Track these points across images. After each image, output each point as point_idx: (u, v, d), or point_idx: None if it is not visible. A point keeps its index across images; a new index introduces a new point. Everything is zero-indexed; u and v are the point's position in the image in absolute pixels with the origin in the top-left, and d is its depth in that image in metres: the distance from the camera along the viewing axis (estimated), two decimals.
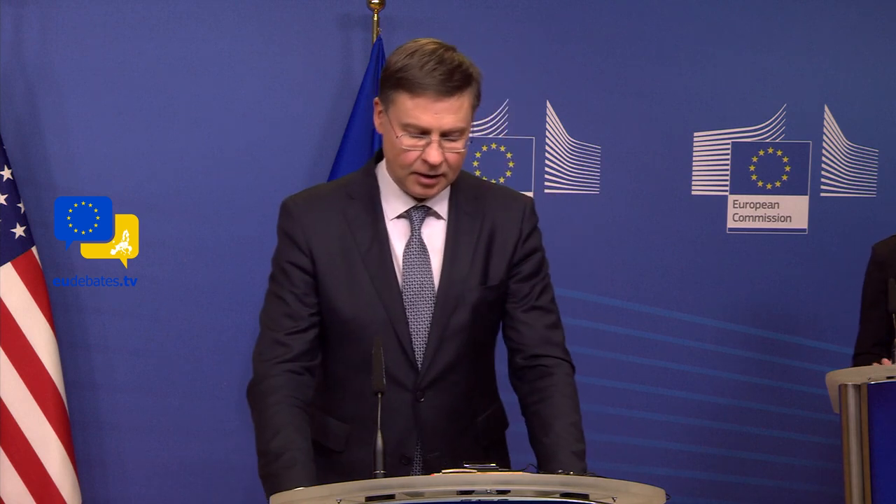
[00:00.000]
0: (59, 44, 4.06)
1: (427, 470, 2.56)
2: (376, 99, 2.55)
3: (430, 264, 2.57)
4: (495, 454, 2.66)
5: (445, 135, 2.47)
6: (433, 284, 2.56)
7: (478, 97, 2.53)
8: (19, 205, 3.94)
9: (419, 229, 2.58)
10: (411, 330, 2.55)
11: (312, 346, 2.58)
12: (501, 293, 2.61)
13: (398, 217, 2.59)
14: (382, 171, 2.61)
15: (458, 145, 2.50)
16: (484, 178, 2.77)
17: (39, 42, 4.06)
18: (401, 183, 2.55)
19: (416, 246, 2.57)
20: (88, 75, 4.08)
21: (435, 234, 2.60)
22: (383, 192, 2.59)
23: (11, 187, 3.93)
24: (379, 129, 2.57)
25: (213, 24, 4.13)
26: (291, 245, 2.57)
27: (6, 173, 3.92)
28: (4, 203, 3.92)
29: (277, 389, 2.51)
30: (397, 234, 2.58)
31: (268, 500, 2.33)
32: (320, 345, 2.62)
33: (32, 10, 4.04)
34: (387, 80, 2.50)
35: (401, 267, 2.56)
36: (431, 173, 2.50)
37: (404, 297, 2.55)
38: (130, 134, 4.10)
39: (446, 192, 2.61)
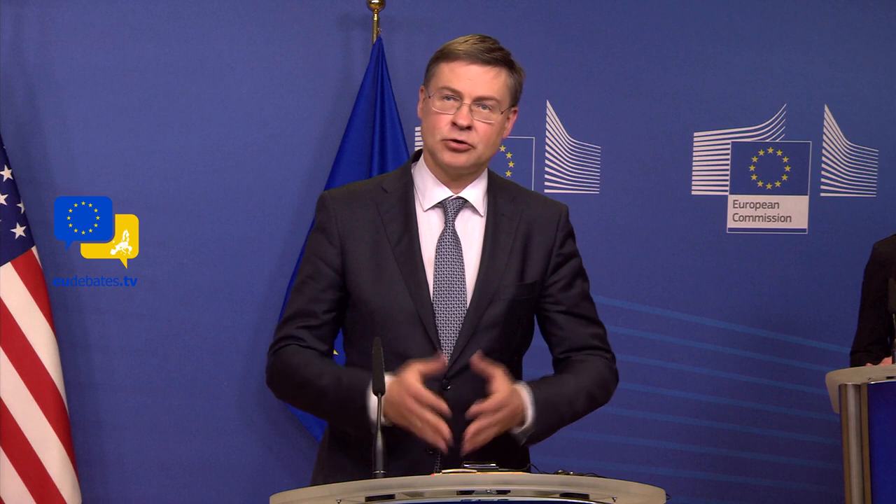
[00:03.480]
0: (59, 44, 4.06)
1: (447, 462, 2.56)
2: (421, 87, 2.63)
3: (462, 257, 2.61)
4: (518, 454, 2.65)
5: (478, 102, 2.55)
6: (464, 277, 2.60)
7: (517, 87, 2.62)
8: (19, 205, 3.94)
9: (453, 221, 2.63)
10: (438, 321, 2.58)
11: (324, 343, 2.64)
12: (536, 294, 2.66)
13: (433, 207, 2.64)
14: (420, 167, 2.67)
15: (491, 116, 2.57)
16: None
17: (39, 42, 4.06)
18: (433, 154, 2.61)
19: (450, 238, 2.62)
20: (88, 75, 4.08)
21: (469, 228, 2.64)
22: (419, 186, 2.65)
23: (11, 187, 3.93)
24: (419, 115, 2.64)
25: (213, 24, 4.14)
26: (323, 238, 2.63)
27: (6, 173, 3.93)
28: (4, 203, 3.92)
29: (291, 351, 2.60)
30: (430, 227, 2.63)
31: (353, 420, 2.48)
32: (335, 338, 2.69)
33: (32, 10, 4.04)
34: (431, 61, 2.61)
35: (432, 259, 2.60)
36: (460, 138, 2.56)
37: (434, 288, 2.59)
38: (130, 134, 4.10)
39: (482, 189, 2.66)
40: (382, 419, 2.42)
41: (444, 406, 2.42)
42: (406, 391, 2.42)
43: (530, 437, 2.53)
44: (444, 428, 2.41)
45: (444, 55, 2.58)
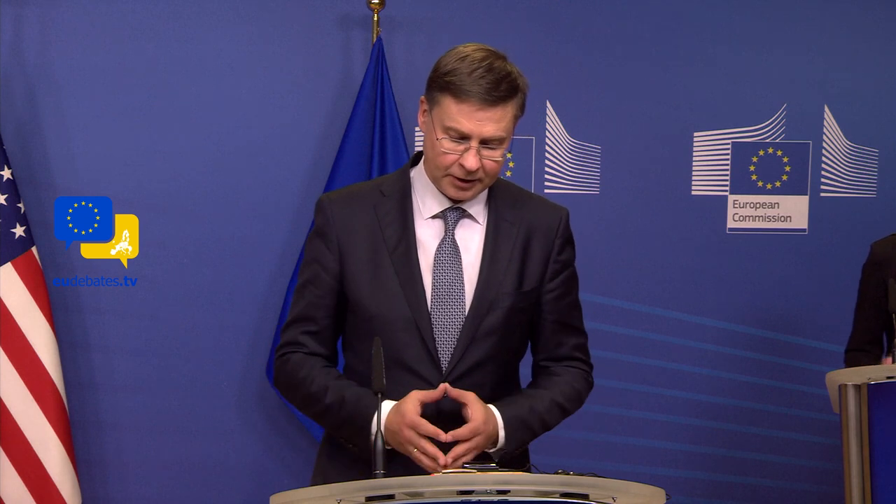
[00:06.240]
0: (59, 44, 4.06)
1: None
2: (422, 97, 2.60)
3: (461, 265, 2.60)
4: (519, 455, 2.66)
5: (485, 142, 2.52)
6: (463, 285, 2.59)
7: (522, 108, 2.58)
8: (19, 205, 3.94)
9: (453, 230, 2.62)
10: (436, 328, 2.57)
11: (326, 348, 2.65)
12: (533, 300, 2.65)
13: (433, 217, 2.62)
14: (419, 172, 2.65)
15: (497, 154, 2.54)
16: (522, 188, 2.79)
17: (39, 42, 4.06)
18: (437, 182, 2.60)
19: (449, 246, 2.61)
20: (88, 75, 4.08)
21: (468, 236, 2.63)
22: (419, 191, 2.64)
23: (11, 187, 3.93)
24: (421, 128, 2.61)
25: (213, 24, 4.14)
26: (321, 242, 2.63)
27: (6, 173, 3.93)
28: (4, 203, 3.92)
29: (296, 361, 2.61)
30: (430, 234, 2.62)
31: (356, 439, 2.49)
32: (338, 343, 2.70)
33: (32, 10, 4.05)
34: (434, 81, 2.55)
35: (431, 266, 2.59)
36: (467, 178, 2.54)
37: (432, 295, 2.58)
38: (130, 134, 4.11)
39: (483, 197, 2.65)
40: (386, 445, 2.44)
41: (442, 435, 2.43)
42: (404, 422, 2.43)
43: (503, 455, 2.55)
44: (441, 457, 2.43)
45: (452, 89, 2.50)
